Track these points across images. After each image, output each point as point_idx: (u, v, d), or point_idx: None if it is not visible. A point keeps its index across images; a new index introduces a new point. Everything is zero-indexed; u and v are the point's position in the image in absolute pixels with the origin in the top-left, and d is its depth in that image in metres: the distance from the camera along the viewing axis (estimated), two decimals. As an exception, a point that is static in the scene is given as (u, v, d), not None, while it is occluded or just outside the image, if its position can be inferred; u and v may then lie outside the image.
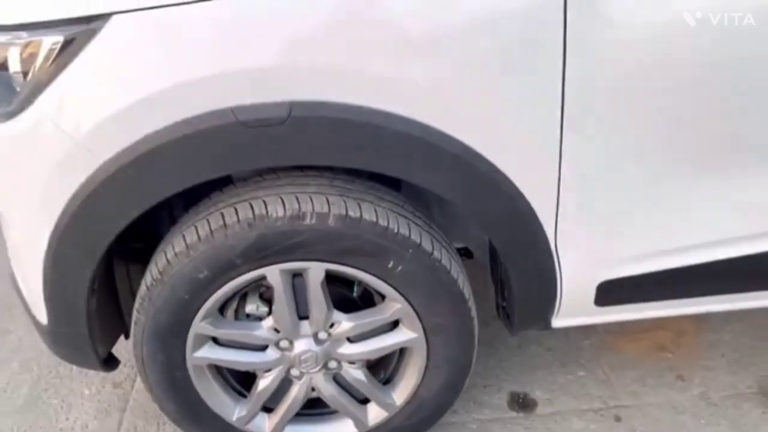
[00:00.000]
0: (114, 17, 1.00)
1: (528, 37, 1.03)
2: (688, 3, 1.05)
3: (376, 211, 1.15)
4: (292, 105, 1.02)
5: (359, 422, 1.40)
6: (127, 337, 1.45)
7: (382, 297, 1.26)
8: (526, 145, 1.11)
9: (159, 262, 1.19)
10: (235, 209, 1.14)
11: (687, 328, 1.80)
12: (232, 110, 1.02)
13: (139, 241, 1.29)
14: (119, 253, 1.29)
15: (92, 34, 1.01)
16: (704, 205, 1.23)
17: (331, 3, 1.00)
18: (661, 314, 1.39)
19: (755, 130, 1.17)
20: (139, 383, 1.70)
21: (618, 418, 1.56)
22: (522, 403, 1.62)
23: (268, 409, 1.40)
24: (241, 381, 1.41)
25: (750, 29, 1.06)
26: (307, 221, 1.13)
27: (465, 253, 1.52)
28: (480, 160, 1.10)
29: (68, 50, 1.02)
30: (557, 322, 1.36)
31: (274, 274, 1.19)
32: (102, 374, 1.72)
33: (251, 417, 1.38)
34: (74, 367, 1.75)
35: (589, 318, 1.37)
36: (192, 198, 1.21)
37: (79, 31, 1.01)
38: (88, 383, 1.72)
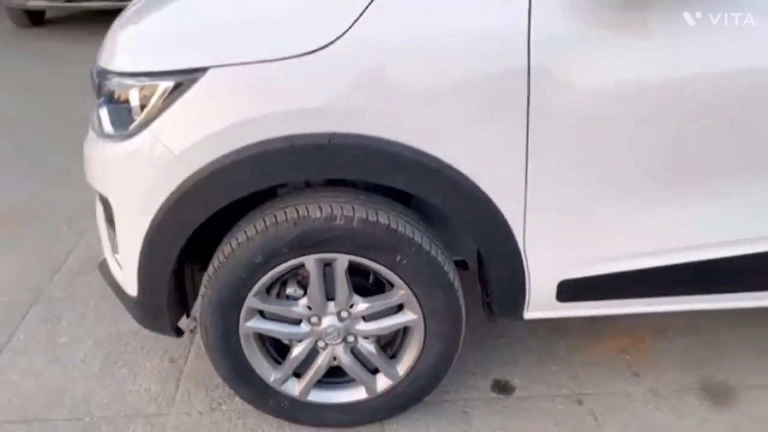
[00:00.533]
0: (210, 69, 1.43)
1: (501, 95, 1.44)
2: (624, 70, 1.45)
3: (388, 217, 1.55)
4: (333, 135, 1.44)
5: (370, 388, 1.77)
6: (188, 316, 1.85)
7: (391, 285, 1.65)
8: (501, 169, 1.51)
9: (225, 250, 1.59)
10: (284, 212, 1.54)
11: (645, 336, 2.15)
12: (290, 137, 1.44)
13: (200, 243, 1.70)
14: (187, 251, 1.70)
15: (194, 80, 1.44)
16: (645, 221, 1.60)
17: (358, 69, 1.43)
18: (616, 311, 1.75)
19: (687, 161, 1.55)
20: (191, 359, 2.09)
21: (580, 402, 1.91)
22: (503, 388, 1.97)
23: (297, 375, 1.78)
24: (278, 350, 1.79)
25: (670, 93, 1.46)
26: (338, 222, 1.53)
27: (461, 265, 1.90)
28: (465, 179, 1.49)
29: (176, 92, 1.46)
30: (528, 314, 1.73)
31: (310, 262, 1.59)
32: (161, 351, 2.12)
33: (285, 379, 1.76)
34: (138, 345, 2.15)
35: (553, 312, 1.74)
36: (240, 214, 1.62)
37: (186, 79, 1.44)
38: (150, 358, 2.11)
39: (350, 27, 1.41)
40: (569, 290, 1.67)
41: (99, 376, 2.05)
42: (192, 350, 2.13)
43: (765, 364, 2.03)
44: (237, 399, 1.87)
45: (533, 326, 2.17)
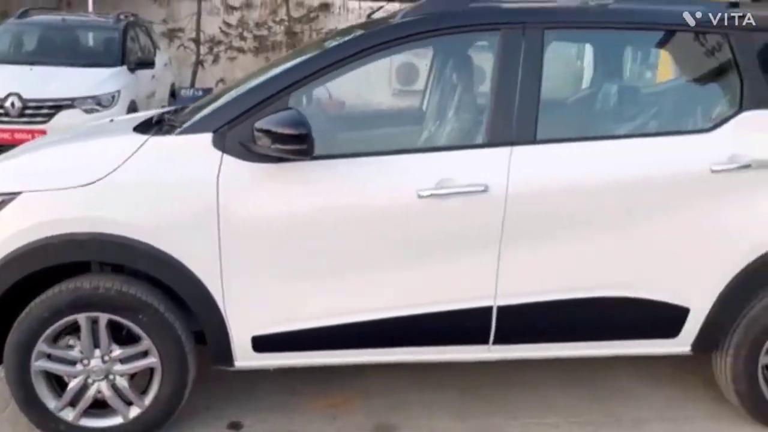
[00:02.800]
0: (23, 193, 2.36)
1: (204, 214, 2.40)
2: (281, 207, 2.44)
3: (136, 289, 2.43)
4: (94, 234, 2.36)
5: (124, 416, 2.53)
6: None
7: (139, 337, 2.48)
8: (205, 259, 2.43)
9: (27, 308, 2.42)
10: (68, 284, 2.41)
11: (352, 396, 2.99)
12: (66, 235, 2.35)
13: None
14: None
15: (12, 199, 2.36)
16: (316, 295, 2.51)
17: (113, 197, 2.39)
18: (307, 362, 2.63)
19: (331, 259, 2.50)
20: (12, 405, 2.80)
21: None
22: (234, 426, 2.75)
23: (72, 404, 2.53)
24: (60, 385, 2.55)
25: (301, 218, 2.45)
26: (101, 291, 2.39)
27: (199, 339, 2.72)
28: (182, 266, 2.40)
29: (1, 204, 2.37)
30: (238, 363, 2.57)
31: (82, 318, 2.42)
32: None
33: (62, 407, 2.51)
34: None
35: (256, 362, 2.58)
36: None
37: (6, 198, 2.36)
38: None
39: (111, 172, 2.38)
40: (262, 344, 2.53)
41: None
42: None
43: (430, 413, 2.88)
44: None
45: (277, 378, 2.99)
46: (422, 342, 2.64)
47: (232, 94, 2.71)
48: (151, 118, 2.94)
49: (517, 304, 2.58)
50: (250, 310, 2.51)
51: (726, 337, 2.71)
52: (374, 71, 2.82)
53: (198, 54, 11.47)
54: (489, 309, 2.57)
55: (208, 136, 2.44)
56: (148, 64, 8.18)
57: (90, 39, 8.33)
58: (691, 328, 2.66)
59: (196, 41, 11.42)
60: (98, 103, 6.86)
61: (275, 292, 2.50)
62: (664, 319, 2.66)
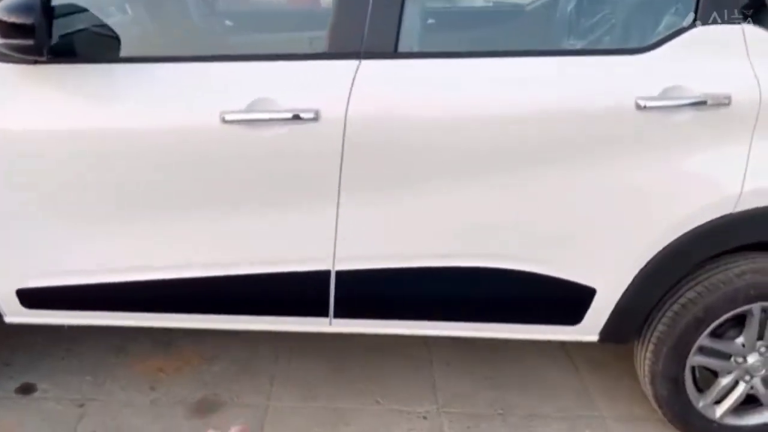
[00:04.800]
0: None
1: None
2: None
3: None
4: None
5: None
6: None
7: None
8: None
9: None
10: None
11: (191, 361, 2.47)
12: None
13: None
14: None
15: None
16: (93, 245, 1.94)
17: None
18: (78, 322, 2.07)
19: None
20: None
21: (82, 405, 2.21)
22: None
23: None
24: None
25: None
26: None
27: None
28: None
29: None
30: (8, 318, 2.04)
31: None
32: None
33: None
34: None
35: (29, 318, 2.05)
36: None
37: None
38: None
39: None
40: (29, 299, 1.99)
41: None
42: None
43: (276, 389, 2.35)
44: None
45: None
46: (240, 310, 2.06)
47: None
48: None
49: (364, 270, 1.96)
50: (11, 258, 1.96)
51: (647, 328, 2.08)
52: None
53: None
54: (326, 275, 1.97)
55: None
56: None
57: None
58: (598, 312, 2.01)
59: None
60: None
61: (41, 237, 1.94)
62: (561, 300, 2.02)
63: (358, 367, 2.47)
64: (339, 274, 1.95)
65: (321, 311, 2.02)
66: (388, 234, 1.92)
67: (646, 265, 1.92)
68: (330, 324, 2.06)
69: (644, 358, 2.09)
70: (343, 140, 1.81)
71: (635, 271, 1.94)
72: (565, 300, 2.01)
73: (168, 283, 1.97)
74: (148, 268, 1.97)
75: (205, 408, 2.24)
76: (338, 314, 2.02)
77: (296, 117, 1.79)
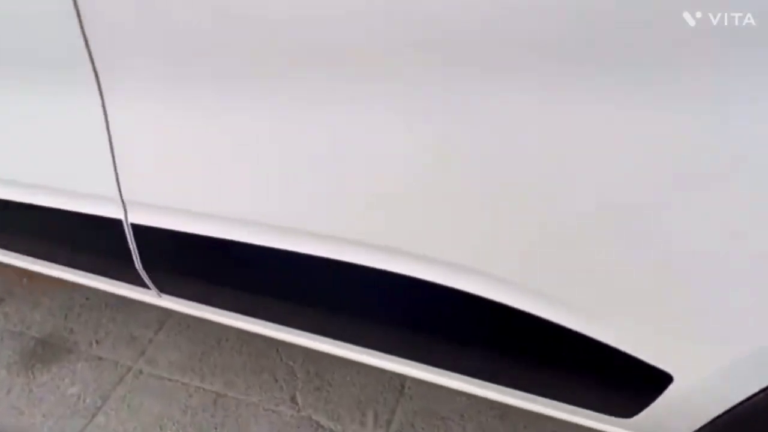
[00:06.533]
0: None
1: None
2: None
3: None
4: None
5: None
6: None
7: None
8: None
9: None
10: None
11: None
12: None
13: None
14: None
15: None
16: None
17: None
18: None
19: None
20: None
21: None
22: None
23: None
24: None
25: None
26: None
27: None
28: None
29: None
30: None
31: None
32: None
33: None
34: None
35: None
36: None
37: None
38: None
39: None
40: None
41: None
42: None
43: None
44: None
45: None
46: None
47: None
48: None
49: (159, 229, 1.29)
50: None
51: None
52: None
53: None
54: (119, 224, 1.34)
55: None
56: None
57: None
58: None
59: None
60: None
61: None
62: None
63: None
64: (135, 228, 1.29)
65: (132, 278, 1.41)
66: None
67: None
68: (159, 297, 1.44)
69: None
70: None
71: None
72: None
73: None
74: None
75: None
76: (162, 289, 1.40)
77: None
